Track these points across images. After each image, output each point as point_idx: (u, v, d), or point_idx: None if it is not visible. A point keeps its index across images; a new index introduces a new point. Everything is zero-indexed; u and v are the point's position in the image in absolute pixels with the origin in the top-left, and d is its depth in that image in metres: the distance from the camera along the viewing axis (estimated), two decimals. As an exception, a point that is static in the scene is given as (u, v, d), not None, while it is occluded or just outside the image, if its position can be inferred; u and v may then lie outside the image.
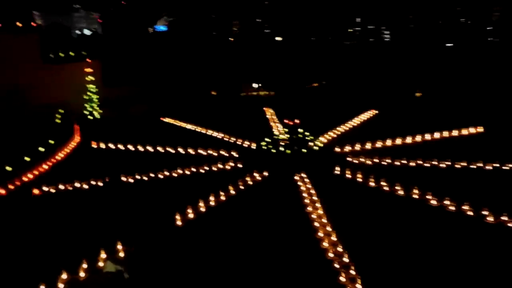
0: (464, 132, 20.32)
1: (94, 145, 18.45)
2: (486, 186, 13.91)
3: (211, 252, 9.88)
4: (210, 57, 33.13)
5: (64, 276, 8.80)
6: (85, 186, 13.66)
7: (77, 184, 13.68)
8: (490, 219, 11.29)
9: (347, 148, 17.96)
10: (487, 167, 15.22)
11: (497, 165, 15.10)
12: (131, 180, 14.33)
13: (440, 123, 21.70)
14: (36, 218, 11.68)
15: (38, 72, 21.27)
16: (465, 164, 15.56)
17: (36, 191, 12.98)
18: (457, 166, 15.58)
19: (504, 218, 11.09)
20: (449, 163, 15.75)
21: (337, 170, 15.08)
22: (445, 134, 19.99)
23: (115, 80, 24.83)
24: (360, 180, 14.32)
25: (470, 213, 11.68)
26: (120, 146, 18.34)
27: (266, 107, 26.54)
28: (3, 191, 12.85)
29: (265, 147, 16.75)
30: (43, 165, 14.95)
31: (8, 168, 13.68)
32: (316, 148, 16.60)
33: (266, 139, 17.40)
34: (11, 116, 18.76)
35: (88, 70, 22.67)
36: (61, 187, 13.43)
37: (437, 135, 19.78)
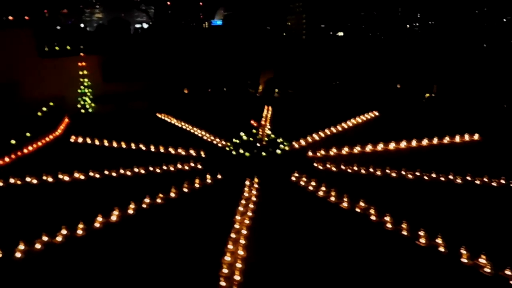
0: (457, 139, 18.53)
1: (72, 139, 19.04)
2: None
3: (113, 257, 9.66)
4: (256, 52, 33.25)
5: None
6: (34, 181, 14.02)
7: (27, 179, 14.08)
8: (422, 241, 10.02)
9: (320, 153, 17.06)
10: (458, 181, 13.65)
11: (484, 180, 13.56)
12: (82, 177, 14.49)
13: (439, 128, 20.10)
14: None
15: (32, 66, 22.15)
16: (433, 175, 14.04)
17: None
18: (425, 177, 14.27)
19: (438, 241, 9.77)
20: (418, 174, 14.43)
21: (294, 177, 14.30)
22: (435, 141, 18.36)
23: (115, 76, 25.50)
24: (312, 188, 13.46)
25: (405, 232, 10.46)
26: (97, 142, 18.77)
27: (267, 105, 26.03)
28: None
29: (229, 148, 16.26)
30: (6, 157, 15.59)
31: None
32: (279, 151, 15.82)
33: (234, 140, 16.89)
34: (2, 109, 19.70)
35: (82, 64, 23.54)
36: (11, 180, 13.91)
37: (425, 142, 18.27)
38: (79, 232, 10.55)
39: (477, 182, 13.49)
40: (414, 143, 17.84)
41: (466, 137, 18.42)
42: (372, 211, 11.53)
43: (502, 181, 13.30)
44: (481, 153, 16.77)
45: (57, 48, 23.72)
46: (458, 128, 19.15)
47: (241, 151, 15.59)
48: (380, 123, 22.48)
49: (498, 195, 12.66)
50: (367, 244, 10.07)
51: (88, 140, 18.82)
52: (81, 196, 13.13)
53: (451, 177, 13.85)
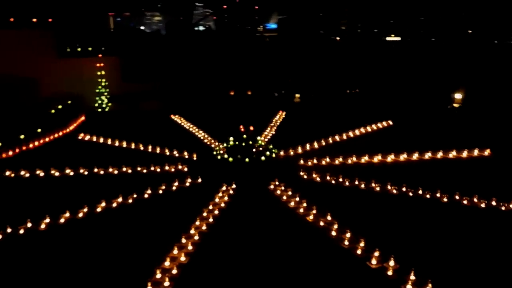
0: (464, 154, 17.03)
1: (80, 136, 20.03)
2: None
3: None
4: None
5: None
6: (27, 175, 14.91)
7: (22, 172, 15.00)
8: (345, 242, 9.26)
9: (312, 162, 16.53)
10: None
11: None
12: (71, 173, 15.18)
13: (449, 141, 18.69)
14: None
15: (51, 65, 23.58)
16: (419, 192, 13.03)
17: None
18: (410, 194, 13.28)
19: (391, 263, 8.94)
20: (404, 189, 13.45)
21: (273, 185, 13.99)
22: (428, 155, 16.98)
23: (133, 76, 26.51)
24: (285, 198, 13.04)
25: (359, 251, 9.79)
26: (101, 140, 19.57)
27: (281, 110, 25.81)
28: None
29: (215, 153, 16.26)
30: (10, 151, 16.74)
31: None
32: (263, 158, 15.55)
33: (221, 145, 16.78)
34: (21, 105, 21.15)
35: (100, 65, 24.69)
36: (7, 173, 14.91)
37: (427, 155, 16.97)
38: (42, 226, 11.11)
39: (465, 202, 12.42)
40: (415, 156, 16.81)
41: (475, 152, 17.02)
42: (335, 226, 11.00)
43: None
44: (489, 170, 15.39)
45: (79, 49, 25.13)
46: (472, 141, 17.77)
47: (225, 156, 15.53)
48: (390, 133, 21.37)
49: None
50: (314, 260, 9.58)
51: (94, 138, 19.70)
52: (60, 191, 13.67)
53: (438, 195, 12.86)
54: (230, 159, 15.19)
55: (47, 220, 11.35)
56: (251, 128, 15.43)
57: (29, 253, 9.92)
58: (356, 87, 32.78)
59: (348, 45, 56.72)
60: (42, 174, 14.98)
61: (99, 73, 24.73)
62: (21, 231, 10.79)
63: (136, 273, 8.91)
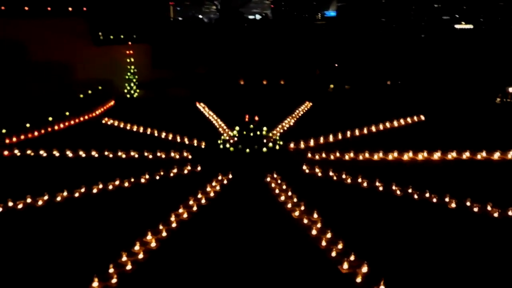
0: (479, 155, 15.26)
1: (104, 121, 20.91)
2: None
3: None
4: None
5: None
6: (44, 154, 15.83)
7: (41, 152, 15.96)
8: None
9: (320, 156, 15.74)
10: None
11: None
12: (83, 155, 15.89)
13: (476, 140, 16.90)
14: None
15: (85, 52, 24.76)
16: (427, 195, 11.82)
17: (5, 153, 15.76)
18: (415, 196, 12.13)
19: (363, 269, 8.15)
20: (410, 191, 12.29)
21: (269, 177, 13.57)
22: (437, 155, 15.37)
23: (162, 63, 27.13)
24: (277, 192, 12.58)
25: (334, 254, 9.05)
26: (121, 125, 20.26)
27: (307, 101, 25.16)
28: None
29: (222, 144, 16.08)
30: (35, 131, 17.88)
31: (3, 131, 16.89)
32: (265, 149, 15.11)
33: (230, 133, 16.52)
34: (55, 89, 22.54)
35: (130, 52, 25.52)
36: (29, 152, 15.94)
37: (437, 155, 15.41)
38: (40, 203, 11.77)
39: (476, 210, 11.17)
40: (436, 155, 15.47)
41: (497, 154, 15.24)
42: (318, 225, 10.43)
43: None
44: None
45: (111, 37, 26.16)
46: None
47: (227, 145, 15.34)
48: (419, 129, 19.88)
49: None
50: (286, 257, 9.15)
51: (116, 123, 20.48)
52: (65, 171, 14.36)
53: (447, 199, 11.71)
54: (231, 148, 14.98)
55: (45, 198, 11.99)
56: (256, 118, 15.03)
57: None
58: (399, 79, 30.91)
59: (410, 34, 53.60)
60: (57, 154, 15.84)
61: (128, 60, 25.58)
62: (20, 206, 11.49)
63: (101, 256, 9.07)
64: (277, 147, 15.47)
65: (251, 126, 15.74)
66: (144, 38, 27.02)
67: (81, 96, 21.79)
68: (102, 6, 25.60)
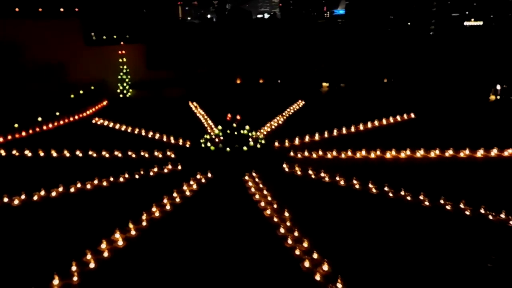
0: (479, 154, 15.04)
1: (94, 121, 21.09)
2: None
3: None
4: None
5: None
6: (29, 154, 16.03)
7: (25, 152, 16.17)
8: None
9: (302, 155, 15.73)
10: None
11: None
12: (67, 155, 16.07)
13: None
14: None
15: (77, 52, 24.87)
16: (401, 193, 11.75)
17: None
18: (390, 194, 12.01)
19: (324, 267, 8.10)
20: (386, 189, 12.18)
21: (248, 176, 13.58)
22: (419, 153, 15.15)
23: (157, 64, 27.21)
24: (253, 190, 12.60)
25: (297, 252, 8.96)
26: (110, 124, 20.44)
27: (300, 99, 25.14)
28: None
29: (203, 143, 16.12)
30: (23, 132, 18.10)
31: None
32: (245, 148, 15.10)
33: (213, 133, 16.53)
34: (47, 89, 22.74)
35: (122, 52, 25.64)
36: (14, 152, 16.15)
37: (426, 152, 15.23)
38: (16, 202, 11.94)
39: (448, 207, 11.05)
40: (419, 154, 15.32)
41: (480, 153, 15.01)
42: (288, 223, 10.43)
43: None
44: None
45: (104, 37, 26.31)
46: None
47: (208, 144, 15.38)
48: (408, 127, 19.66)
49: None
50: (252, 255, 9.16)
51: (105, 123, 20.65)
52: (45, 170, 14.48)
53: (421, 197, 11.61)
54: (212, 147, 15.02)
55: (23, 197, 12.15)
56: (238, 117, 15.04)
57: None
58: (393, 77, 30.66)
59: (416, 32, 52.89)
60: (42, 154, 16.03)
61: (120, 60, 25.73)
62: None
63: (65, 255, 9.17)
64: (259, 146, 15.46)
65: (234, 125, 15.74)
66: (139, 38, 27.08)
67: (72, 96, 22.01)
68: (95, 7, 25.64)
